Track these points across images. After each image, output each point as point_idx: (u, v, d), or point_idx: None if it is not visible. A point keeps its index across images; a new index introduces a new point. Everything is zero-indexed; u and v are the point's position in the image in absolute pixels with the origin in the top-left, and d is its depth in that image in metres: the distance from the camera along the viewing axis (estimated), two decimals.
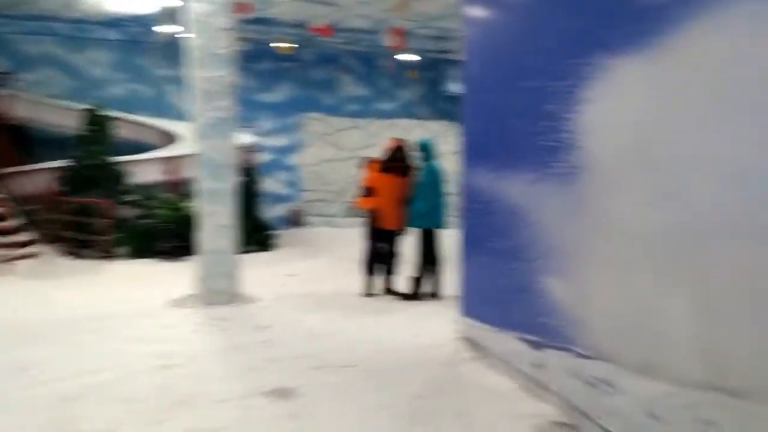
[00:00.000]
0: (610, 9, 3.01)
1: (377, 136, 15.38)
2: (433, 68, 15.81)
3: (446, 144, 15.44)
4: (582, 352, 3.27)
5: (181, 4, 6.58)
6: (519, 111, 3.84)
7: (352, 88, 15.82)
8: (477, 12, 4.54)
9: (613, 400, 3.02)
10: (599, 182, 3.12)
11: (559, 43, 3.42)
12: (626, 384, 2.94)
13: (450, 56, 14.32)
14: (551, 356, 3.55)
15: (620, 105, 2.97)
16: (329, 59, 15.28)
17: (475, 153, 4.53)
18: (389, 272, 6.91)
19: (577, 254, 3.33)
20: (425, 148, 6.81)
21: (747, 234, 2.29)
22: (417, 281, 6.70)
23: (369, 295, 6.83)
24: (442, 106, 16.30)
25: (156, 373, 4.14)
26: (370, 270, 6.91)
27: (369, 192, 6.85)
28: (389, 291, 6.84)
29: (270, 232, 11.74)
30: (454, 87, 15.59)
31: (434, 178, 6.69)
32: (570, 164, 3.31)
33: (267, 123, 14.78)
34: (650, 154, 2.77)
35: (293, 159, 15.32)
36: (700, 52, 2.50)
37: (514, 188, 3.91)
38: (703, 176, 2.49)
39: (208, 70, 6.22)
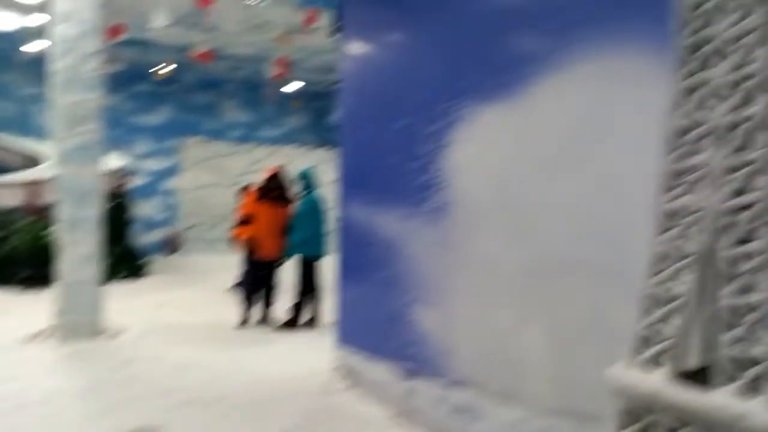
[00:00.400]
0: (479, 60, 3.23)
1: (260, 163, 15.21)
2: (320, 98, 15.95)
3: (331, 172, 15.58)
4: (450, 379, 3.40)
5: (47, 22, 6.24)
6: (394, 149, 3.97)
7: (235, 113, 15.58)
8: (355, 49, 4.68)
9: (477, 426, 3.16)
10: (466, 220, 3.30)
11: (432, 88, 3.60)
12: (488, 410, 3.09)
13: (336, 87, 14.51)
14: (422, 384, 3.65)
15: (485, 149, 3.18)
16: (212, 84, 14.97)
17: (353, 186, 4.63)
18: (267, 302, 6.81)
19: (446, 287, 3.49)
20: (306, 178, 6.85)
21: (589, 272, 2.52)
22: (296, 310, 6.66)
23: (246, 325, 6.68)
24: (327, 135, 16.45)
25: (5, 415, 3.80)
26: (248, 299, 6.78)
27: (247, 221, 6.75)
28: (267, 321, 6.74)
29: (143, 259, 11.19)
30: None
31: (314, 208, 6.74)
32: (440, 202, 3.48)
33: (145, 146, 14.16)
34: (510, 195, 2.98)
35: (172, 183, 14.76)
36: (554, 105, 2.75)
37: (390, 222, 4.03)
38: (553, 219, 2.72)
39: (74, 94, 5.92)
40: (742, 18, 1.27)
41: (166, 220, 14.57)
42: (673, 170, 1.48)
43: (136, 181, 12.86)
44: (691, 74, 1.44)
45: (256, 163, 15.03)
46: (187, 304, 8.12)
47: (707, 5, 1.38)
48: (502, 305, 3.03)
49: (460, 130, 3.34)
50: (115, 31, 7.31)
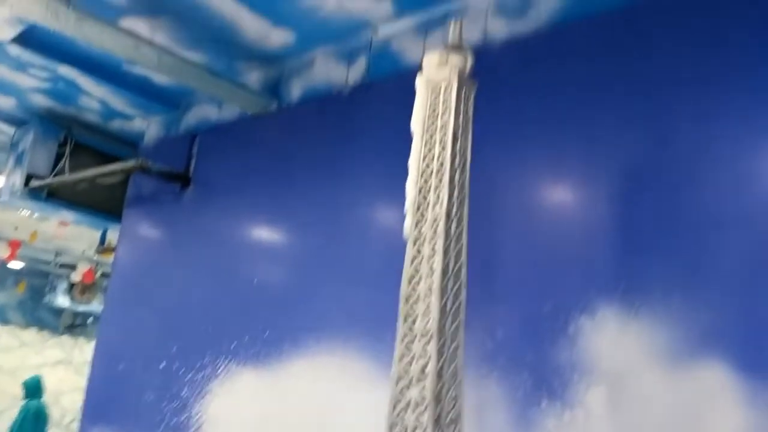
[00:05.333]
0: (239, 327, 4.00)
1: None
2: (42, 277, 15.04)
3: (40, 356, 14.25)
4: None
5: None
6: (152, 386, 4.42)
7: None
8: (124, 277, 5.16)
9: None
10: None
11: (197, 339, 4.24)
12: None
13: (62, 271, 13.94)
14: None
15: (237, 403, 3.86)
16: None
17: (99, 413, 4.82)
18: None
19: None
20: (29, 387, 6.61)
21: None
22: None
23: None
24: (43, 316, 15.31)
25: None
26: None
27: None
28: None
29: None
30: (61, 300, 14.95)
31: (31, 418, 6.44)
32: None
33: None
34: None
35: None
36: (294, 381, 3.60)
37: None
38: None
39: None
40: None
41: None
42: None
43: None
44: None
45: None
46: None
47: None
48: None
49: (218, 384, 4.00)
50: None
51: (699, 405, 2.18)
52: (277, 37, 3.98)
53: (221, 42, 4.07)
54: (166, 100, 5.01)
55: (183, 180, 4.71)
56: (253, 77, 4.41)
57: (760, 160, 2.29)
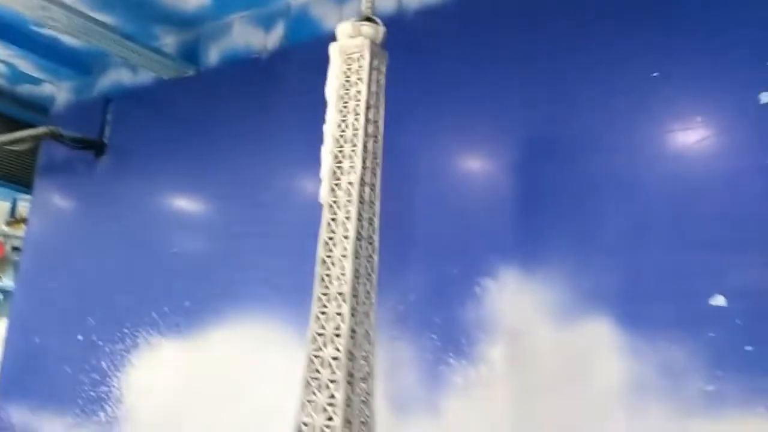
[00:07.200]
0: (158, 299, 3.97)
1: None
2: None
3: None
4: None
5: None
6: (70, 358, 4.33)
7: None
8: (39, 243, 5.00)
9: None
10: None
11: (116, 312, 4.18)
12: None
13: None
14: None
15: (159, 373, 3.86)
16: None
17: (15, 389, 4.68)
18: None
19: None
20: None
21: None
22: None
23: None
24: None
25: None
26: None
27: None
28: None
29: None
30: None
31: None
32: (112, 415, 3.96)
33: None
34: (177, 416, 3.68)
35: None
36: (215, 350, 3.63)
37: (55, 430, 4.26)
38: None
39: None
40: None
41: None
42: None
43: None
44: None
45: None
46: None
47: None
48: None
49: (139, 355, 3.98)
50: None
51: (586, 356, 2.39)
52: (193, 0, 3.91)
53: (134, 3, 3.96)
54: (78, 64, 4.82)
55: (97, 147, 4.58)
56: (169, 41, 4.30)
57: (645, 129, 2.47)
